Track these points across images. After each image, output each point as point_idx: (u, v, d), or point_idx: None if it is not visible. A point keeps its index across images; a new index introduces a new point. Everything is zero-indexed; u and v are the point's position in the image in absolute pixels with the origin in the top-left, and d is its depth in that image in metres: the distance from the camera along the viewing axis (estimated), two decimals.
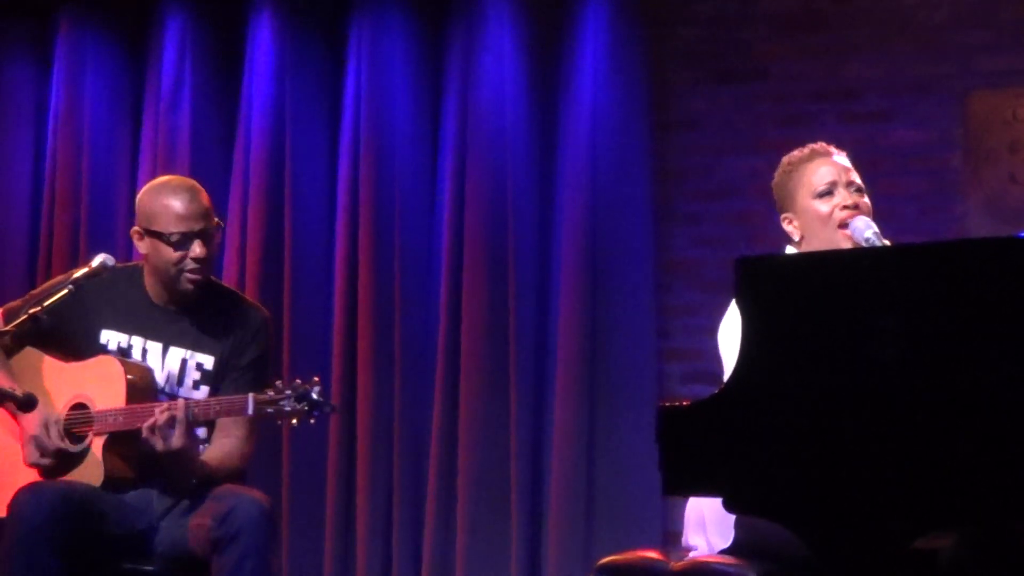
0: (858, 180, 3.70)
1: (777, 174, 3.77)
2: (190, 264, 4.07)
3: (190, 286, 4.10)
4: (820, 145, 3.75)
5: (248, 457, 4.16)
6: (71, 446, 4.03)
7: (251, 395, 3.90)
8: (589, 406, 5.47)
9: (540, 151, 5.66)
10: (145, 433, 3.89)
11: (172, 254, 4.06)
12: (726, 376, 3.49)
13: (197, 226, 4.07)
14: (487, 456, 5.53)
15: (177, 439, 3.88)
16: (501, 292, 5.58)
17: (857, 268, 2.85)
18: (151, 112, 6.06)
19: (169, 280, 4.11)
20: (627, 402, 5.44)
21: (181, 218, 4.06)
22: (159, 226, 4.07)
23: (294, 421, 3.89)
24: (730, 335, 3.49)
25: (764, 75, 5.66)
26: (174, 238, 4.05)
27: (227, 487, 4.00)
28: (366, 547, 5.64)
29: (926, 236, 5.15)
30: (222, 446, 4.10)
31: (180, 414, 3.89)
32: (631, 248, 5.54)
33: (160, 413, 3.89)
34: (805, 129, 5.42)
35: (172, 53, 6.00)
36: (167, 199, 4.09)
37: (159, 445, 3.89)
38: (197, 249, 4.06)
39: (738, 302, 2.87)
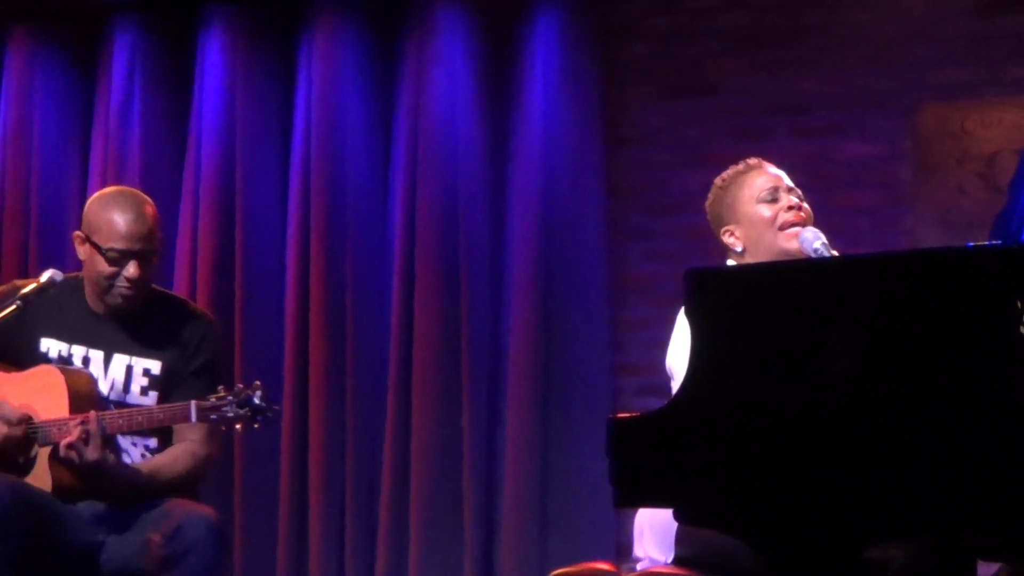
0: (797, 188, 3.73)
1: (712, 193, 3.80)
2: (122, 281, 4.04)
3: (119, 301, 4.07)
4: (754, 160, 3.79)
5: (205, 459, 4.10)
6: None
7: (193, 402, 3.88)
8: (542, 419, 5.47)
9: (492, 165, 5.66)
10: (63, 451, 3.86)
11: (106, 268, 4.03)
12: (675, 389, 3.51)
13: (136, 247, 4.03)
14: (440, 469, 5.52)
15: (92, 452, 3.84)
16: (453, 306, 5.57)
17: (807, 279, 2.86)
18: (101, 128, 6.02)
19: (100, 291, 4.08)
20: (580, 415, 5.43)
21: (121, 236, 4.02)
22: (98, 239, 4.04)
23: (238, 427, 3.88)
24: (680, 348, 3.49)
25: (716, 90, 5.67)
26: (110, 254, 4.02)
27: (177, 502, 3.96)
28: (319, 562, 5.62)
29: (878, 248, 5.16)
30: (170, 451, 4.07)
31: (93, 427, 3.85)
32: (584, 263, 5.55)
33: (73, 427, 3.86)
34: (757, 144, 5.43)
35: (122, 68, 5.97)
36: (112, 213, 4.05)
37: (76, 460, 3.85)
38: (131, 269, 4.03)
39: (687, 314, 2.87)
